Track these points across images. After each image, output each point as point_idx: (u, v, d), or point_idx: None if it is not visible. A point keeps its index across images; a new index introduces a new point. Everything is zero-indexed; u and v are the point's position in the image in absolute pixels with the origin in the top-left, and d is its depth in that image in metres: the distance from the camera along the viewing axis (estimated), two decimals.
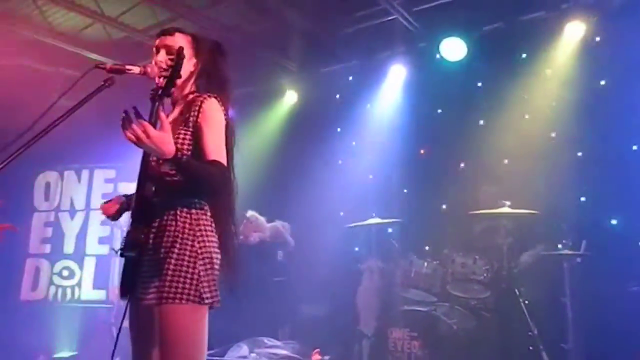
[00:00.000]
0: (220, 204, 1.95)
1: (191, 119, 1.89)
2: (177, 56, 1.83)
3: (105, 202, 2.09)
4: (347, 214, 5.40)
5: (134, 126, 1.64)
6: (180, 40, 2.00)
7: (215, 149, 1.85)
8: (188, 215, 1.85)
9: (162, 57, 1.96)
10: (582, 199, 4.38)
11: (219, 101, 1.93)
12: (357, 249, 5.22)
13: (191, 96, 1.99)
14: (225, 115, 1.94)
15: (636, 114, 4.18)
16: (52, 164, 5.92)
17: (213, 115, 1.90)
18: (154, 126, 1.70)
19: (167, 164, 1.76)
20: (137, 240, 1.79)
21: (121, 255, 1.83)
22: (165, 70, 1.91)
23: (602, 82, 4.42)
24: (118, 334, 1.84)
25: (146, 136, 1.64)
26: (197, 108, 1.90)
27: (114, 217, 2.06)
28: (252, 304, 4.66)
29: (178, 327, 1.75)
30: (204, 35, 2.11)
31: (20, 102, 4.28)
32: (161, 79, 1.88)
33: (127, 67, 1.87)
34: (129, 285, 1.84)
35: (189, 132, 1.89)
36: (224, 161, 1.86)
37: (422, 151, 5.31)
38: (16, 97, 4.53)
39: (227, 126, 1.94)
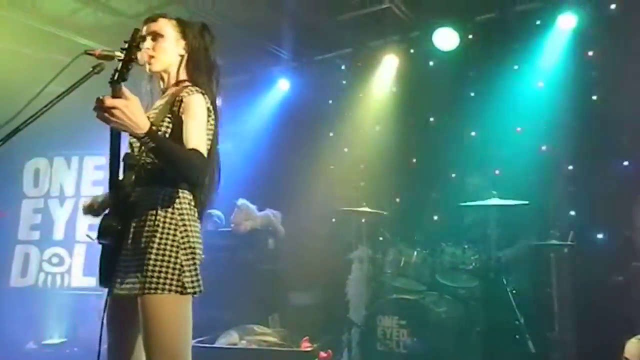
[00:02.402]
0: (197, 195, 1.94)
1: (174, 109, 1.88)
2: (131, 38, 1.70)
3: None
4: (338, 203, 5.41)
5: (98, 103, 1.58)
6: (164, 25, 2.00)
7: (195, 140, 1.79)
8: (170, 205, 1.84)
9: (148, 44, 1.97)
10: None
11: (203, 95, 1.90)
12: (347, 238, 5.23)
13: (180, 85, 1.98)
14: (209, 106, 1.91)
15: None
16: (42, 150, 5.85)
17: (196, 110, 1.85)
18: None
19: (144, 143, 1.67)
20: (110, 228, 1.80)
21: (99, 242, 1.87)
22: (152, 57, 1.95)
23: (593, 73, 4.44)
24: (102, 322, 1.89)
25: (111, 105, 1.55)
26: (180, 99, 1.88)
27: (97, 212, 2.05)
28: (243, 292, 4.69)
29: (161, 317, 1.75)
30: (189, 19, 2.10)
31: (8, 87, 4.23)
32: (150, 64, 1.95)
33: (117, 53, 1.85)
34: (107, 275, 1.87)
35: (172, 124, 1.88)
36: (204, 153, 1.80)
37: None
38: (4, 82, 4.47)
39: (211, 116, 1.92)
